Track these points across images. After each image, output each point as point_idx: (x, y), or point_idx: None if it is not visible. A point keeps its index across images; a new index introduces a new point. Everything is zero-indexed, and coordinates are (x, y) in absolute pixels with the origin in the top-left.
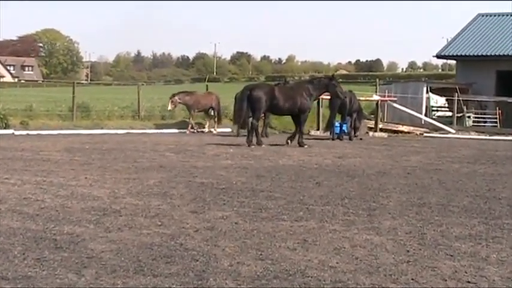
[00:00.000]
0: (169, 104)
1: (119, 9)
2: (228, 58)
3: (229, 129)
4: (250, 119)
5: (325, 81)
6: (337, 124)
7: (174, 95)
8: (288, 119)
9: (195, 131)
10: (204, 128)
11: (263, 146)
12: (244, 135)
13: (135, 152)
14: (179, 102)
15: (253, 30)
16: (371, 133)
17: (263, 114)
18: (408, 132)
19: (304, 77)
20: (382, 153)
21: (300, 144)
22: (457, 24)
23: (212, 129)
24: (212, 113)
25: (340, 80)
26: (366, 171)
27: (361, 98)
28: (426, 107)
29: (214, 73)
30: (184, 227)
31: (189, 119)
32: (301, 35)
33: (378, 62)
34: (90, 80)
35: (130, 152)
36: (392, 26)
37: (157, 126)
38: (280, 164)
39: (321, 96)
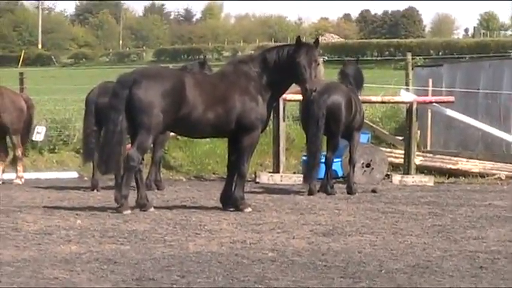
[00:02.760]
0: None
1: None
2: (71, 12)
3: (73, 173)
4: (128, 148)
5: (291, 51)
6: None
7: None
8: (211, 144)
9: None
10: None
11: (151, 209)
12: (110, 187)
13: None
14: None
15: None
16: (397, 177)
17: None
18: (481, 175)
19: (245, 50)
20: (422, 222)
21: (236, 204)
22: None
23: (16, 178)
24: (12, 138)
25: (326, 56)
26: (385, 265)
27: (372, 98)
28: None
29: (39, 44)
30: None
31: None
32: None
33: (409, 15)
34: None
35: None
36: None
37: None
38: (190, 252)
39: (283, 95)
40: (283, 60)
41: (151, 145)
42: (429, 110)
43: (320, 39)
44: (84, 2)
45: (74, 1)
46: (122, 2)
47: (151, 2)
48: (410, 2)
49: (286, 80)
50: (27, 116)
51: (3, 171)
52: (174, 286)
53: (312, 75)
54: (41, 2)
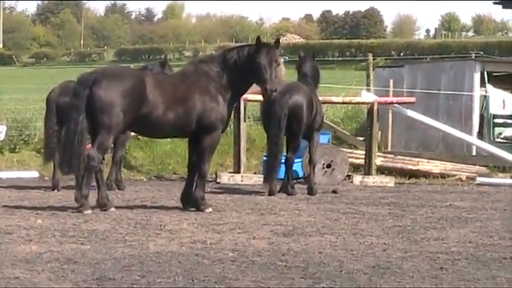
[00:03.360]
0: None
1: None
2: (32, 11)
3: (33, 173)
4: (89, 148)
5: (251, 51)
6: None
7: None
8: (172, 144)
9: None
10: None
11: (112, 209)
12: (70, 187)
13: None
14: None
15: None
16: (358, 178)
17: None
18: (442, 175)
19: (206, 50)
20: (383, 223)
21: (196, 204)
22: None
23: None
24: None
25: (287, 56)
26: (346, 265)
27: (333, 99)
28: (482, 116)
29: (0, 43)
30: None
31: None
32: None
33: (371, 15)
34: None
35: None
36: None
37: None
38: (150, 252)
39: (244, 96)
40: (244, 60)
41: (112, 145)
42: (390, 111)
43: (281, 39)
44: (46, 1)
45: (36, 0)
46: (83, 1)
47: (112, 1)
48: (371, 2)
49: (246, 80)
50: None
51: None
52: (135, 286)
53: (272, 75)
54: (2, 1)
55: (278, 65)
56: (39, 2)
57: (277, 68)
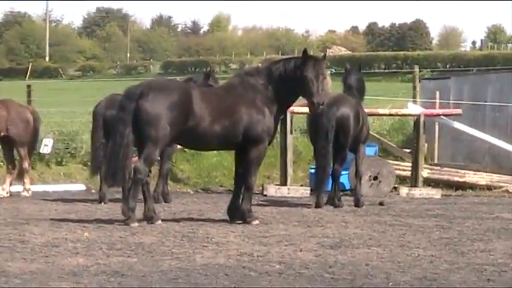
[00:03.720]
0: None
1: None
2: (78, 24)
3: (80, 186)
4: (135, 161)
5: (297, 64)
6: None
7: None
8: (218, 156)
9: None
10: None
11: (159, 222)
12: (117, 200)
13: None
14: None
15: None
16: (404, 190)
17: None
18: (488, 187)
19: (252, 63)
20: (429, 235)
21: (243, 216)
22: None
23: (24, 190)
24: (19, 150)
25: (334, 68)
26: (393, 277)
27: (379, 111)
28: None
29: (47, 56)
30: None
31: None
32: None
33: (417, 27)
34: None
35: None
36: None
37: None
38: (197, 265)
39: (290, 108)
40: (290, 73)
41: (159, 157)
42: (436, 123)
43: (327, 52)
44: (92, 13)
45: None
46: (130, 14)
47: (161, 15)
48: (417, 14)
49: (292, 92)
50: (34, 129)
51: (11, 184)
52: None
53: (319, 88)
54: (47, 10)
55: (324, 78)
56: (85, 15)
57: (323, 81)
